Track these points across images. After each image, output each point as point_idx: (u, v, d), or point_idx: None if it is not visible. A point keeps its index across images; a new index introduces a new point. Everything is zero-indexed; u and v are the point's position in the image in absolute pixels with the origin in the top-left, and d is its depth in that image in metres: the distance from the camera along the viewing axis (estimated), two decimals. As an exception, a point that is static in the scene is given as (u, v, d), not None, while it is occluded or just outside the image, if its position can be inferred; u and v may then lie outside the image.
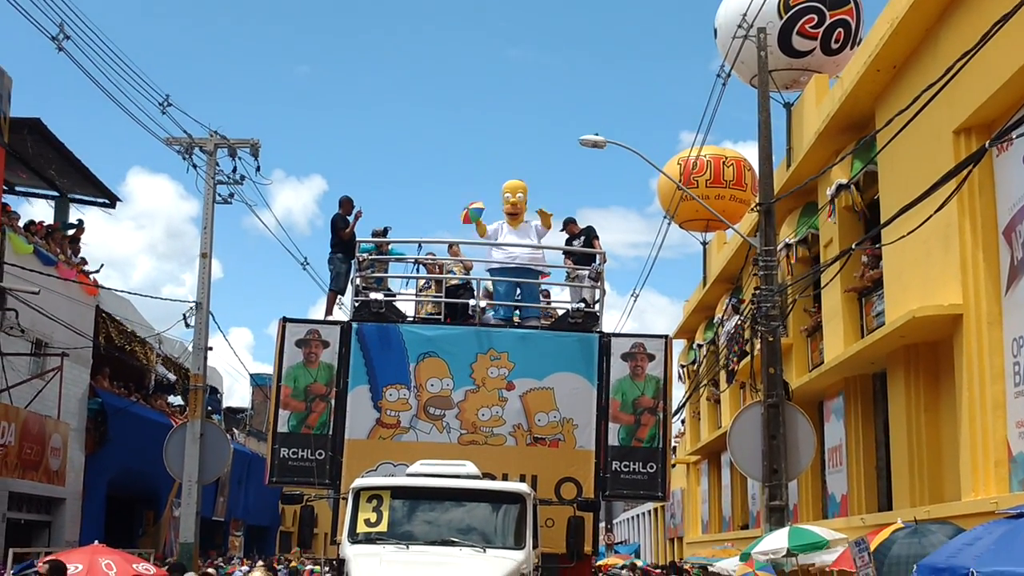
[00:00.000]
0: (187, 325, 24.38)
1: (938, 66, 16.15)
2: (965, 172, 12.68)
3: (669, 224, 30.48)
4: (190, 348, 32.14)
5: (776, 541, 16.69)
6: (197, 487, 22.75)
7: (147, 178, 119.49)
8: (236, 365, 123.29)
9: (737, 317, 29.43)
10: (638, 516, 58.01)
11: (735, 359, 29.51)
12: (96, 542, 14.37)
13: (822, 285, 20.99)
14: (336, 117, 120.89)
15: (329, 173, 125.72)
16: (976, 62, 12.37)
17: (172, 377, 32.75)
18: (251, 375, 55.61)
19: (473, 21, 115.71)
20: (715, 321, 33.78)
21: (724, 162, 34.10)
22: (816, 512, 23.53)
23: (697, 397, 36.53)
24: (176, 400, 35.31)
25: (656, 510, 50.01)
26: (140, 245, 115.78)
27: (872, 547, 12.37)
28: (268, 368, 52.05)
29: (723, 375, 31.74)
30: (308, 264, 28.49)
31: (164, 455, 22.48)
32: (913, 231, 14.13)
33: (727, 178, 34.10)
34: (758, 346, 23.09)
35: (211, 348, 24.83)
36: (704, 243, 37.16)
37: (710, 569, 23.16)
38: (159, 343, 31.19)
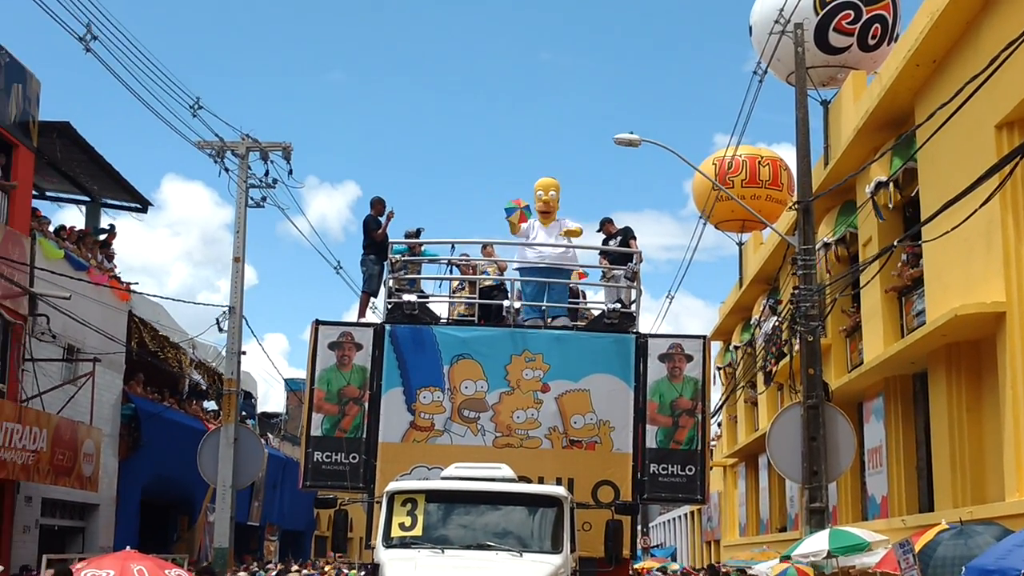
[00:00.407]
0: (220, 329, 24.45)
1: (979, 60, 15.94)
2: (1009, 168, 12.42)
3: (704, 225, 30.33)
4: (224, 353, 32.26)
5: (816, 543, 16.50)
6: (231, 492, 22.75)
7: (182, 185, 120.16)
8: (270, 370, 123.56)
9: (775, 318, 29.18)
10: (674, 519, 57.71)
11: (772, 360, 29.25)
12: (128, 548, 14.28)
13: (861, 285, 20.72)
14: (369, 123, 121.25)
15: (362, 178, 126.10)
16: (1019, 54, 12.14)
17: (206, 383, 32.74)
18: (285, 380, 55.80)
19: (504, 25, 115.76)
20: (752, 322, 33.51)
21: (760, 162, 33.89)
22: (855, 514, 23.26)
23: (734, 400, 36.24)
24: (210, 405, 35.35)
25: (692, 513, 49.71)
26: (176, 252, 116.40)
27: (916, 549, 12.16)
28: (302, 373, 52.08)
29: (760, 377, 31.44)
30: (341, 268, 28.51)
31: (198, 460, 22.50)
32: (955, 228, 13.89)
33: (763, 178, 33.88)
34: (796, 347, 22.93)
35: (244, 352, 24.88)
36: (740, 244, 36.89)
37: (748, 572, 22.89)
38: (192, 348, 31.21)
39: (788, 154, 35.31)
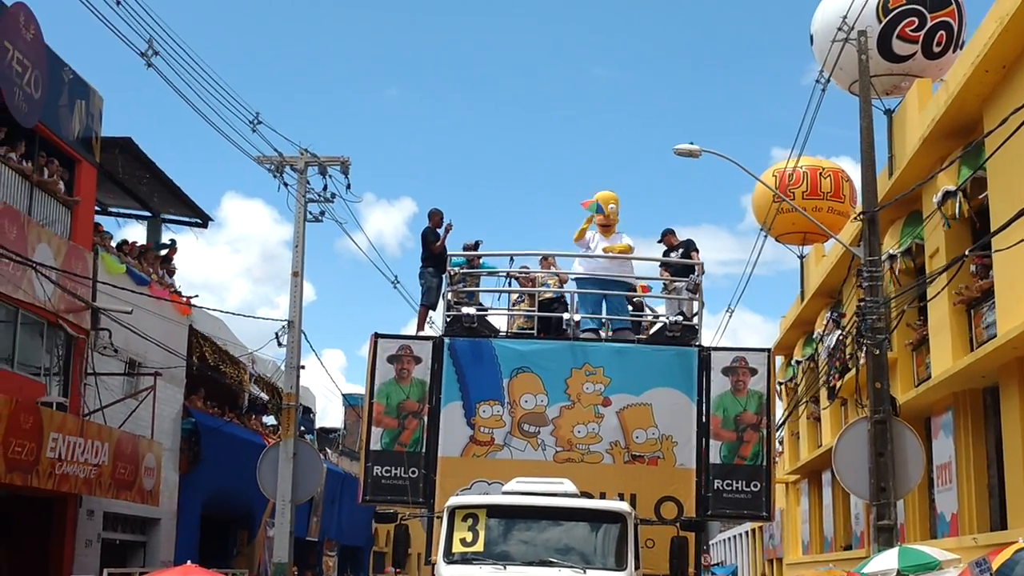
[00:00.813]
0: (279, 344, 24.39)
1: (1052, 64, 15.58)
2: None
3: (765, 238, 29.96)
4: (283, 368, 32.29)
5: (885, 562, 16.07)
6: (291, 507, 22.68)
7: (241, 202, 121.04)
8: (329, 385, 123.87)
9: (838, 331, 28.72)
10: (735, 537, 57.07)
11: (836, 375, 28.77)
12: (188, 562, 14.22)
13: (928, 297, 20.22)
14: (424, 139, 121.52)
15: (419, 194, 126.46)
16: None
17: (265, 397, 32.77)
18: (344, 395, 56.00)
19: (556, 42, 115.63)
20: (815, 336, 33.01)
21: (821, 173, 33.45)
22: (923, 532, 22.74)
23: (796, 415, 35.73)
24: (270, 420, 35.38)
25: (754, 531, 49.10)
26: (236, 269, 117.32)
27: (994, 568, 11.74)
28: (360, 388, 52.08)
29: (823, 392, 30.92)
30: (399, 283, 28.42)
31: (257, 475, 22.47)
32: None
33: (824, 190, 33.44)
34: (862, 360, 22.46)
35: (303, 367, 24.82)
36: (801, 257, 36.38)
37: None
38: (252, 363, 31.24)
39: (847, 166, 34.98)
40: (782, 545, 40.56)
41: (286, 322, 24.17)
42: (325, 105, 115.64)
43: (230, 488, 28.17)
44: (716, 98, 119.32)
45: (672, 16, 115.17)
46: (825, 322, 30.58)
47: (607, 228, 16.72)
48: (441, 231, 17.62)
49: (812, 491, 35.68)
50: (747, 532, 51.68)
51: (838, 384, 28.53)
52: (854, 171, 19.83)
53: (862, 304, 18.45)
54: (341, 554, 43.18)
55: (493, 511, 12.36)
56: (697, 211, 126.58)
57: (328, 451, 42.23)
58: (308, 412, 38.75)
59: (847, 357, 28.08)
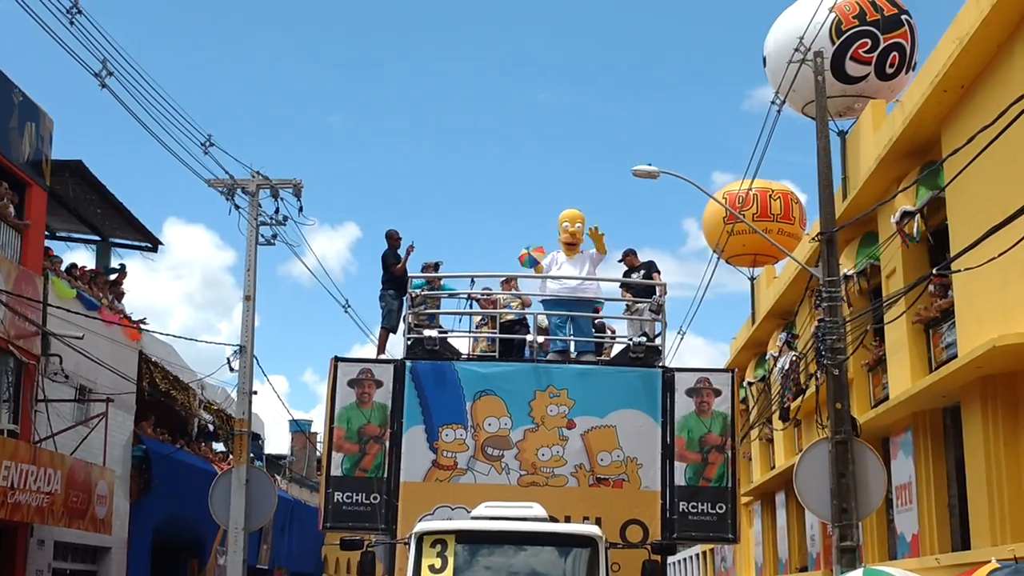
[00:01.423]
0: (231, 369, 23.98)
1: (1012, 83, 15.58)
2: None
3: (718, 260, 29.97)
4: (232, 394, 31.76)
5: (850, 583, 15.99)
6: (243, 534, 22.25)
7: (184, 228, 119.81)
8: (274, 411, 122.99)
9: (792, 353, 28.71)
10: (685, 560, 56.86)
11: (790, 396, 28.74)
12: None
13: (888, 319, 20.18)
14: (368, 164, 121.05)
15: (363, 220, 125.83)
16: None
17: (214, 423, 32.28)
18: (290, 421, 55.38)
19: (501, 67, 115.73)
20: (767, 358, 33.02)
21: (771, 195, 33.62)
22: (882, 552, 22.68)
23: (748, 438, 35.69)
24: (218, 447, 34.88)
25: (704, 553, 48.91)
26: (178, 295, 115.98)
27: (970, 589, 11.63)
28: (305, 415, 51.46)
29: (776, 413, 30.89)
30: (350, 307, 28.11)
31: (209, 502, 22.02)
32: (998, 256, 13.43)
33: (774, 211, 33.62)
34: (820, 380, 22.39)
35: (256, 392, 24.44)
36: (752, 279, 36.51)
37: None
38: (202, 389, 30.78)
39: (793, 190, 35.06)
40: (734, 568, 40.42)
41: (238, 347, 23.79)
42: (267, 130, 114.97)
43: (180, 516, 27.68)
44: (657, 123, 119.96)
45: (614, 42, 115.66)
46: (779, 343, 30.57)
47: (572, 247, 16.55)
48: (401, 252, 17.36)
49: (765, 513, 35.63)
50: (697, 555, 51.48)
51: (792, 406, 28.50)
52: (801, 194, 19.76)
53: (821, 324, 18.39)
54: (291, 582, 42.59)
55: (462, 536, 12.09)
56: (640, 235, 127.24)
57: (277, 477, 41.67)
58: (257, 438, 38.26)
59: (802, 378, 28.08)
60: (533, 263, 16.70)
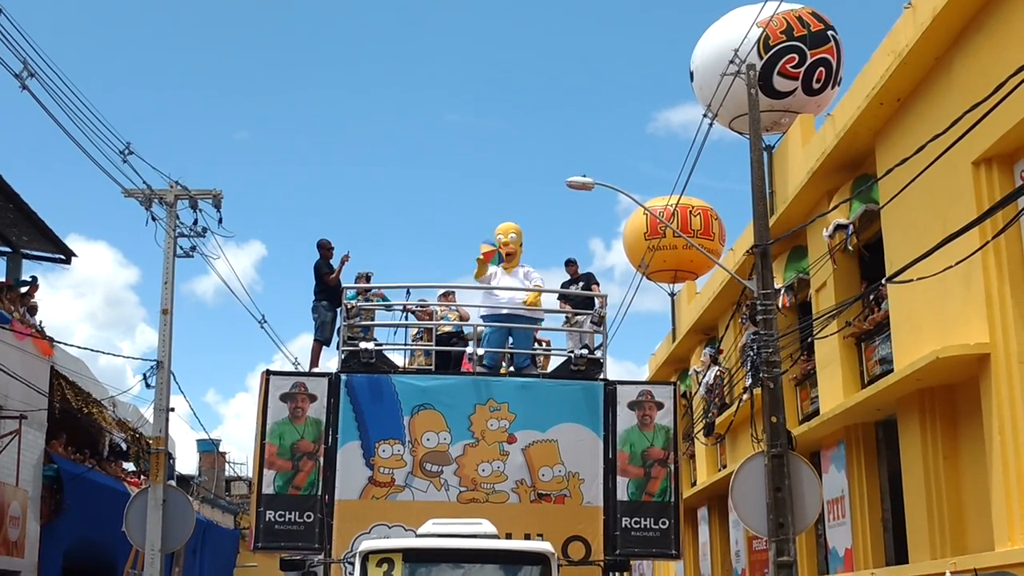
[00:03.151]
0: (148, 385, 23.21)
1: (950, 96, 15.61)
2: (1017, 205, 11.94)
3: (641, 279, 29.87)
4: (143, 412, 30.85)
5: (791, 599, 15.83)
6: (159, 556, 21.50)
7: (85, 245, 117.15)
8: (180, 431, 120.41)
9: (716, 368, 28.66)
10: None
11: (715, 411, 28.68)
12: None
13: (820, 333, 20.09)
14: (276, 182, 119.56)
15: (268, 238, 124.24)
16: (995, 86, 11.65)
17: (126, 441, 31.34)
18: (197, 441, 54.22)
19: (409, 88, 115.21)
20: (689, 373, 32.98)
21: (691, 211, 33.69)
22: (813, 568, 22.64)
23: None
24: (129, 466, 33.86)
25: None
26: (80, 313, 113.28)
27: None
28: (207, 435, 50.16)
29: (701, 428, 30.81)
30: (266, 322, 27.42)
31: (125, 523, 21.19)
32: (947, 269, 13.37)
33: (694, 227, 33.72)
34: (745, 398, 22.29)
35: (173, 409, 23.70)
36: (672, 295, 36.51)
37: None
38: (113, 406, 29.85)
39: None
40: (653, 584, 40.29)
41: (155, 362, 23.07)
42: (177, 144, 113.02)
43: (92, 538, 26.72)
44: (563, 144, 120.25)
45: (521, 63, 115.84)
46: (703, 359, 30.52)
47: (508, 260, 16.22)
48: (335, 262, 16.88)
49: (687, 529, 35.52)
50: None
51: (718, 421, 28.43)
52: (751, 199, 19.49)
53: (757, 338, 18.24)
54: (203, 605, 41.56)
55: (409, 555, 11.62)
56: (548, 254, 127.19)
57: (188, 498, 40.66)
58: (169, 457, 37.23)
59: (726, 393, 28.04)
60: (500, 260, 16.23)
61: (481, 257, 16.17)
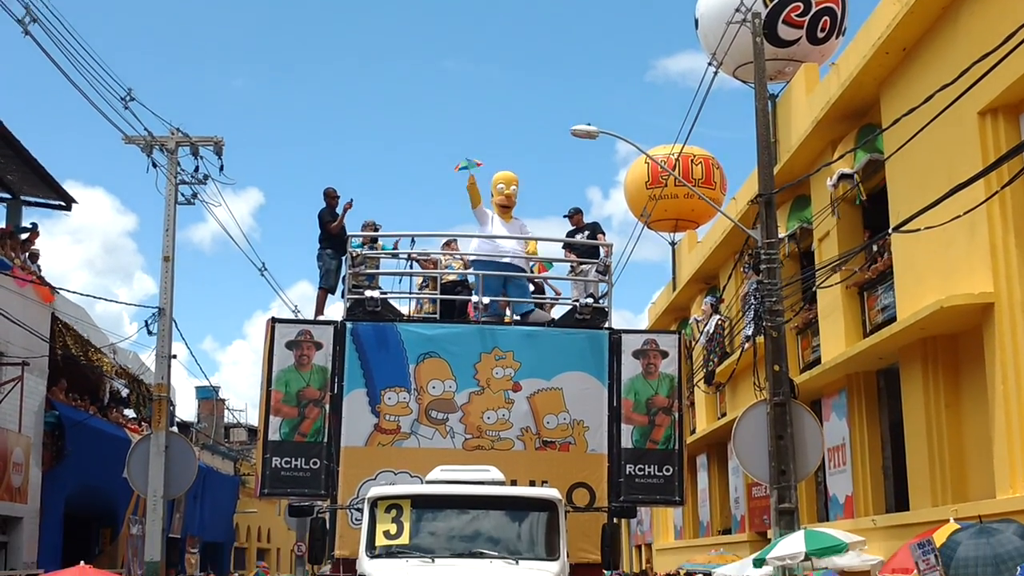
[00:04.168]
0: (149, 332, 23.33)
1: (956, 46, 15.63)
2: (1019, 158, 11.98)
3: (643, 228, 29.97)
4: (144, 359, 30.96)
5: (792, 545, 15.98)
6: (162, 503, 21.71)
7: (82, 190, 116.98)
8: (178, 377, 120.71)
9: (717, 316, 28.80)
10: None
11: (716, 360, 28.85)
12: (81, 563, 13.33)
13: (824, 283, 20.21)
14: (271, 130, 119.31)
15: (265, 186, 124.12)
16: (1004, 35, 11.67)
17: (128, 388, 31.50)
18: (196, 388, 54.45)
19: (406, 34, 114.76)
20: (689, 322, 33.12)
21: (692, 160, 33.65)
22: (813, 515, 22.88)
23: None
24: (130, 413, 34.04)
25: (619, 517, 49.11)
26: (78, 260, 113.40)
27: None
28: (206, 382, 50.26)
29: (701, 376, 30.99)
30: (266, 270, 27.52)
31: (127, 469, 21.37)
32: (955, 218, 13.43)
33: (696, 176, 33.68)
34: (747, 345, 22.42)
35: (175, 356, 23.86)
36: (673, 244, 36.58)
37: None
38: (113, 353, 29.97)
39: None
40: (651, 531, 40.66)
41: (156, 309, 23.18)
42: (173, 91, 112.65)
43: (93, 484, 26.92)
44: (561, 91, 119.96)
45: (518, 9, 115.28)
46: (704, 308, 30.65)
47: (506, 210, 16.22)
48: (339, 211, 16.90)
49: (687, 476, 35.77)
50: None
51: (718, 370, 28.62)
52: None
53: (760, 286, 18.34)
54: (203, 550, 41.92)
55: (418, 501, 11.73)
56: (544, 204, 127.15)
57: (191, 444, 40.91)
58: (170, 404, 37.40)
59: (726, 342, 28.20)
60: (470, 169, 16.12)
61: (468, 183, 16.07)
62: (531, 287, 16.82)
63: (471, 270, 16.43)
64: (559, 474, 14.72)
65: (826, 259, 20.08)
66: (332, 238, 16.73)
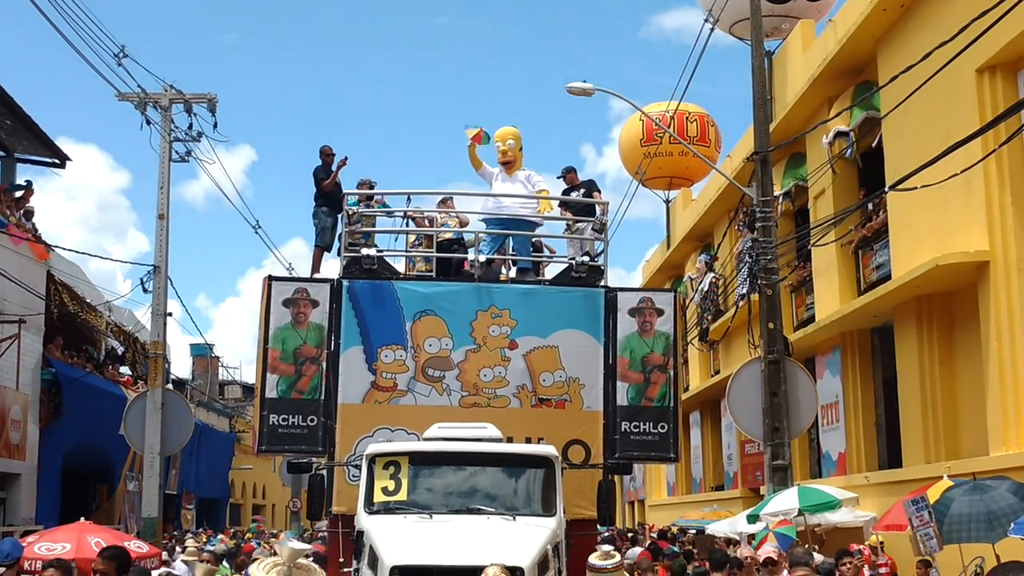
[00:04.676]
0: (145, 290, 23.33)
1: (955, 3, 15.53)
2: (1021, 116, 11.97)
3: (638, 186, 29.90)
4: (139, 316, 30.95)
5: (785, 502, 16.14)
6: (159, 459, 21.79)
7: (74, 147, 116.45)
8: (172, 335, 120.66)
9: (711, 274, 28.82)
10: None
11: (710, 318, 28.89)
12: (82, 519, 13.37)
13: (814, 240, 20.21)
14: (263, 86, 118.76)
15: (258, 143, 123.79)
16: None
17: (123, 345, 31.54)
18: (191, 345, 54.54)
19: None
20: (685, 280, 33.13)
21: (687, 118, 33.56)
22: (806, 471, 22.98)
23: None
24: (125, 370, 34.10)
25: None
26: (72, 217, 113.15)
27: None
28: (199, 340, 50.40)
29: (695, 335, 31.04)
30: (260, 228, 27.52)
31: (123, 426, 21.42)
32: (952, 177, 13.42)
33: (691, 134, 33.64)
34: (742, 303, 22.43)
35: (171, 314, 23.85)
36: (667, 201, 36.54)
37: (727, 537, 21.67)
38: (108, 311, 29.98)
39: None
40: (644, 487, 40.86)
41: (152, 267, 23.17)
42: (162, 48, 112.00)
43: (90, 441, 27.02)
44: (554, 48, 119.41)
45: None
46: (698, 265, 30.66)
47: (508, 165, 16.19)
48: (334, 168, 16.86)
49: (681, 433, 35.90)
50: (604, 475, 51.88)
51: (712, 327, 28.67)
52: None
53: (755, 244, 18.34)
54: (199, 507, 42.16)
55: (416, 458, 11.79)
56: (537, 161, 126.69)
57: (187, 402, 41.03)
58: (166, 362, 37.47)
59: (721, 300, 28.22)
60: (488, 139, 16.19)
61: (471, 143, 16.11)
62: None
63: (467, 228, 16.43)
64: (555, 431, 14.75)
65: (821, 217, 20.06)
66: (327, 195, 16.69)
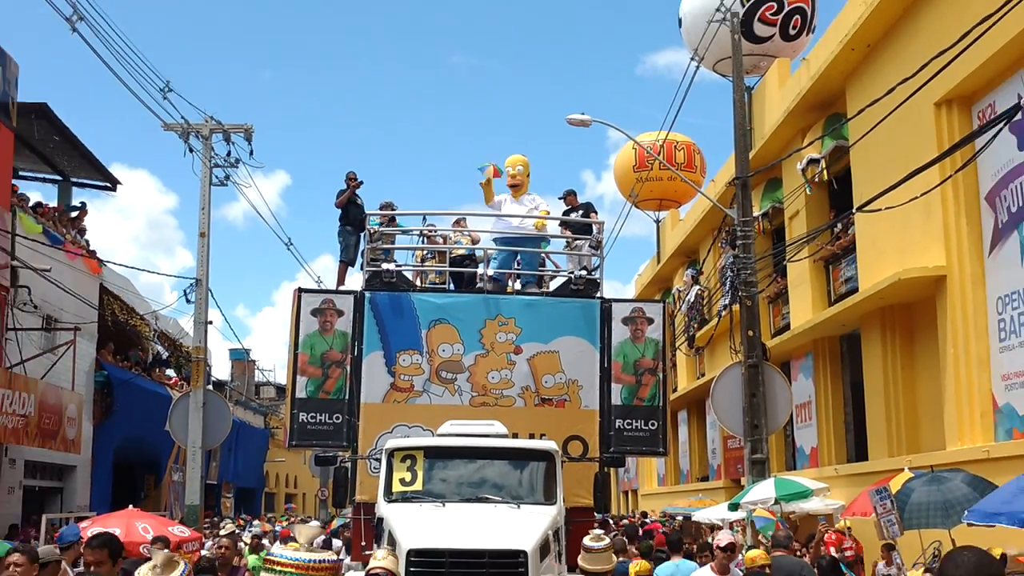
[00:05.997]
0: (188, 301, 23.42)
1: (916, 42, 15.59)
2: (975, 145, 11.98)
3: (631, 208, 29.95)
4: (182, 324, 31.04)
5: (764, 491, 16.13)
6: (201, 453, 21.86)
7: (127, 172, 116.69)
8: (212, 340, 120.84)
9: (697, 287, 28.83)
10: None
11: (696, 326, 28.90)
12: (130, 507, 13.41)
13: (794, 257, 20.22)
14: (296, 118, 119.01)
15: (292, 168, 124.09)
16: (958, 35, 11.62)
17: (169, 350, 31.65)
18: (230, 350, 54.68)
19: (414, 32, 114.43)
20: (672, 292, 33.14)
21: (676, 146, 33.58)
22: (782, 464, 22.98)
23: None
24: (170, 373, 34.21)
25: (607, 466, 49.26)
26: (124, 236, 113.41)
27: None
28: (237, 346, 50.47)
29: (683, 341, 31.06)
30: (292, 245, 27.60)
31: (169, 423, 21.49)
32: (912, 200, 13.44)
33: (679, 161, 33.63)
34: (725, 312, 22.44)
35: (211, 322, 23.93)
36: (657, 221, 36.55)
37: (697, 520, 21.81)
38: (155, 319, 30.10)
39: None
40: (637, 478, 40.85)
41: (194, 280, 23.26)
42: (205, 81, 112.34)
43: (139, 436, 27.12)
44: (559, 83, 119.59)
45: (520, 8, 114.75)
46: (685, 279, 30.68)
47: (516, 189, 16.23)
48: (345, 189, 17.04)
49: (670, 430, 35.91)
50: (600, 467, 51.83)
51: (698, 335, 28.67)
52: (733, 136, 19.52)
53: (736, 260, 18.36)
54: (236, 495, 42.20)
55: (430, 452, 11.81)
56: (541, 185, 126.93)
57: (226, 401, 41.12)
58: (207, 365, 37.56)
59: (706, 310, 28.25)
60: (501, 172, 16.30)
61: (484, 181, 16.19)
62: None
63: (478, 245, 16.51)
64: (556, 428, 14.77)
65: (796, 236, 20.08)
66: (351, 216, 16.77)
